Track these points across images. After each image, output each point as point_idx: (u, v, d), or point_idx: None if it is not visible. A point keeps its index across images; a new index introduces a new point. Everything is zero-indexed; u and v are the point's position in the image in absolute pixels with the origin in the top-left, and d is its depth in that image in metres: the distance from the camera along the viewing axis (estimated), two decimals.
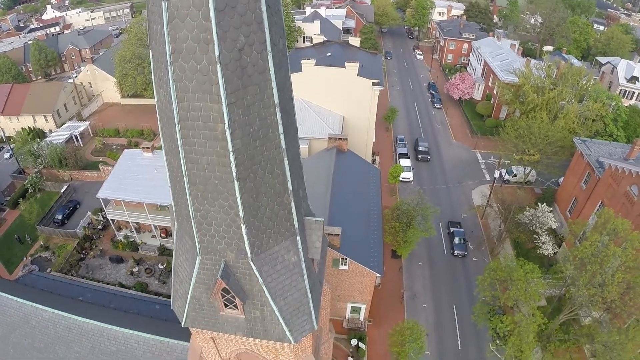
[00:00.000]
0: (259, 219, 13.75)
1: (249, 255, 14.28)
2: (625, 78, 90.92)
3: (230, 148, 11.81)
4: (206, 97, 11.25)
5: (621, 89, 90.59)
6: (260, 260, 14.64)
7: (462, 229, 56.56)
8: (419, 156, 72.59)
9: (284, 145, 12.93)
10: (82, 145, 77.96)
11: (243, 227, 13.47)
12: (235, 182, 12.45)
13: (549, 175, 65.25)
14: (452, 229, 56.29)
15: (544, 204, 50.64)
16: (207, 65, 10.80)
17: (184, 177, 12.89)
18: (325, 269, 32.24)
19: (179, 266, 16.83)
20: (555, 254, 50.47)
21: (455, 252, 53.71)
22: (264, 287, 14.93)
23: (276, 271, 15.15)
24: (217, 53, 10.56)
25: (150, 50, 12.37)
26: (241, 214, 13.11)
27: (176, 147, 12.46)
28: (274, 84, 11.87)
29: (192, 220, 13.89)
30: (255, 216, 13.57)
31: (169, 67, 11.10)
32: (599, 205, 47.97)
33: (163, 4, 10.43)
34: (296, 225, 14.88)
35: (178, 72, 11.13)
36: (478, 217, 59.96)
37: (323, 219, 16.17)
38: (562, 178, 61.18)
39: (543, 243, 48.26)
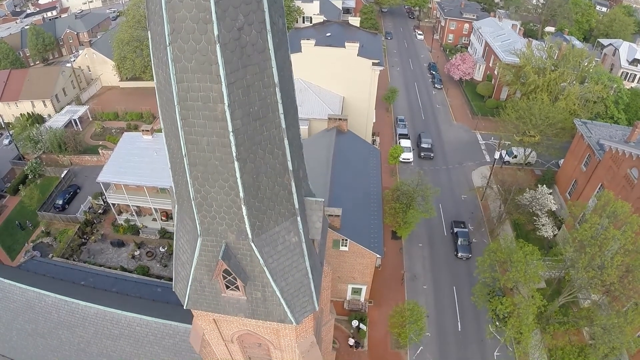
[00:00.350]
0: (260, 199, 13.73)
1: (250, 236, 14.30)
2: (627, 60, 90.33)
3: (230, 128, 11.73)
4: (206, 78, 11.13)
5: (623, 72, 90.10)
6: (261, 241, 14.66)
7: (466, 229, 53.95)
8: (422, 153, 68.77)
9: (284, 125, 12.85)
10: (81, 129, 77.75)
11: (243, 207, 13.46)
12: (236, 163, 12.40)
13: (549, 157, 65.20)
14: (455, 229, 53.82)
15: (544, 185, 50.73)
16: (206, 45, 10.67)
17: (184, 159, 12.84)
18: (326, 250, 32.42)
19: (180, 248, 16.86)
20: (554, 236, 50.56)
21: (459, 254, 51.22)
22: (265, 268, 14.97)
23: (277, 252, 15.18)
24: (216, 33, 10.42)
25: (148, 32, 12.22)
26: (241, 194, 13.09)
27: (176, 128, 12.39)
28: (273, 64, 11.75)
29: (193, 202, 13.87)
30: (255, 197, 13.55)
31: (167, 48, 10.97)
32: (599, 188, 48.02)
33: None
34: (296, 206, 14.86)
35: (177, 53, 11.00)
36: (478, 198, 60.09)
37: (323, 200, 16.17)
38: (562, 160, 61.15)
39: (543, 225, 48.24)
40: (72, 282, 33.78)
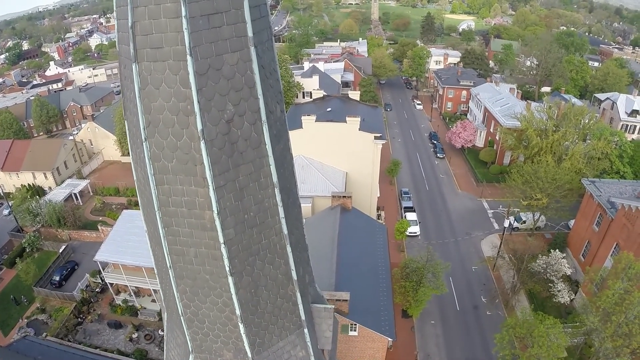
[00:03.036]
0: (260, 315, 11.60)
1: (249, 355, 12.03)
2: (626, 112, 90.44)
3: (221, 239, 9.79)
4: (189, 180, 9.35)
5: (623, 124, 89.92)
6: (262, 359, 12.38)
7: None
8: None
9: (285, 231, 10.93)
10: (81, 203, 76.88)
11: (241, 325, 11.30)
12: (229, 278, 10.37)
13: (558, 219, 63.44)
14: None
15: (557, 249, 49.15)
16: (189, 141, 8.96)
17: (169, 270, 10.83)
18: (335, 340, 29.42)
19: None
20: (571, 300, 48.49)
21: None
22: None
23: None
24: (199, 127, 8.74)
25: (125, 122, 10.53)
26: (238, 312, 10.95)
27: (159, 235, 10.49)
28: (271, 160, 9.97)
29: (182, 318, 11.75)
30: (254, 312, 11.43)
31: (144, 144, 9.27)
32: (614, 248, 46.11)
33: (133, 67, 8.73)
34: (303, 317, 12.68)
35: (155, 150, 9.29)
36: (489, 269, 57.57)
37: (333, 307, 13.96)
38: (572, 221, 59.68)
39: (559, 291, 46.41)
40: None
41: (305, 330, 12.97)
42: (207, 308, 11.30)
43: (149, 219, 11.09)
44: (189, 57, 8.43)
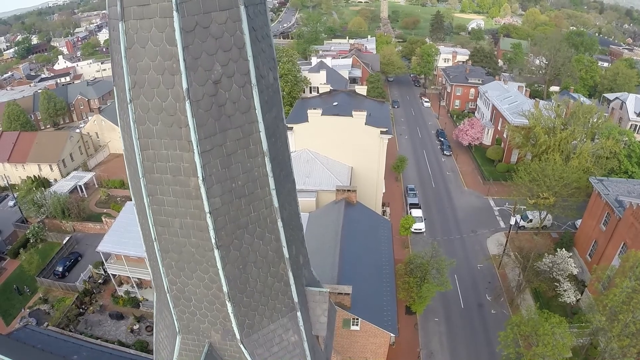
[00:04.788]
0: (249, 293, 11.04)
1: (238, 336, 11.51)
2: (635, 112, 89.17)
3: (206, 208, 9.28)
4: (174, 144, 8.87)
5: (632, 124, 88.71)
6: (252, 342, 11.85)
7: None
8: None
9: (276, 204, 10.38)
10: (86, 196, 76.98)
11: (228, 304, 10.75)
12: (216, 251, 9.83)
13: (565, 218, 62.60)
14: None
15: (563, 249, 48.43)
16: (174, 102, 8.50)
17: (154, 243, 10.34)
18: (335, 333, 28.92)
19: (160, 343, 14.17)
20: (577, 301, 47.72)
21: None
22: None
23: (272, 354, 12.30)
24: (185, 86, 8.27)
25: (114, 87, 10.08)
26: (225, 289, 10.42)
27: (144, 205, 10.01)
28: (261, 127, 9.43)
29: (168, 295, 11.26)
30: (243, 291, 10.88)
31: (129, 106, 8.81)
32: (622, 247, 45.40)
33: (120, 25, 8.31)
34: (295, 299, 12.12)
35: (140, 112, 8.83)
36: (495, 267, 56.85)
37: (328, 290, 13.37)
38: (579, 220, 59.03)
39: (565, 290, 45.64)
40: (62, 357, 32.15)
41: (298, 314, 12.43)
42: (193, 284, 10.80)
43: (135, 190, 10.62)
44: (175, 14, 8.05)
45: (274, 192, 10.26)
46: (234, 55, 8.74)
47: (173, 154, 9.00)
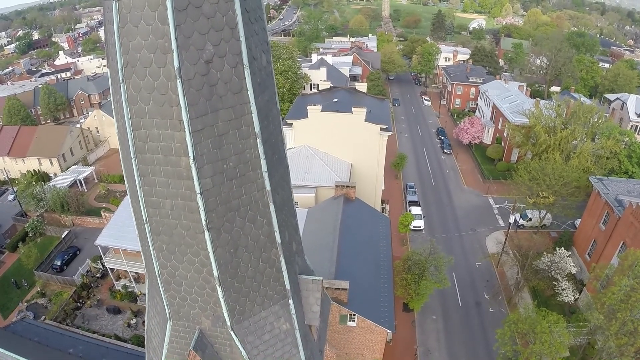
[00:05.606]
0: (240, 278, 10.98)
1: (228, 322, 11.46)
2: (636, 113, 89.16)
3: (197, 189, 9.24)
4: (166, 123, 8.83)
5: (632, 125, 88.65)
6: (243, 329, 11.80)
7: None
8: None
9: (268, 187, 10.32)
10: (86, 190, 76.92)
11: (219, 288, 10.71)
12: (206, 233, 9.79)
13: (564, 217, 62.62)
14: None
15: (562, 248, 48.31)
16: (166, 81, 8.48)
17: (145, 225, 10.29)
18: (330, 328, 28.79)
19: (152, 330, 14.14)
20: (576, 300, 47.56)
21: None
22: None
23: (263, 342, 12.25)
24: (176, 64, 8.26)
25: (108, 69, 10.03)
26: (215, 272, 10.37)
27: (135, 187, 9.95)
28: (253, 108, 9.38)
29: (159, 279, 11.20)
30: (234, 275, 10.82)
31: (121, 86, 8.77)
32: (621, 246, 45.28)
33: (113, 5, 8.26)
34: (288, 286, 12.06)
35: (132, 92, 8.81)
36: (493, 265, 56.75)
37: (321, 278, 13.29)
38: (578, 220, 58.96)
39: (563, 290, 45.56)
40: (58, 350, 32.12)
41: (290, 302, 12.37)
42: (184, 268, 10.75)
43: (128, 172, 10.58)
44: None
45: (266, 175, 10.20)
46: (226, 35, 8.71)
47: (164, 133, 8.97)
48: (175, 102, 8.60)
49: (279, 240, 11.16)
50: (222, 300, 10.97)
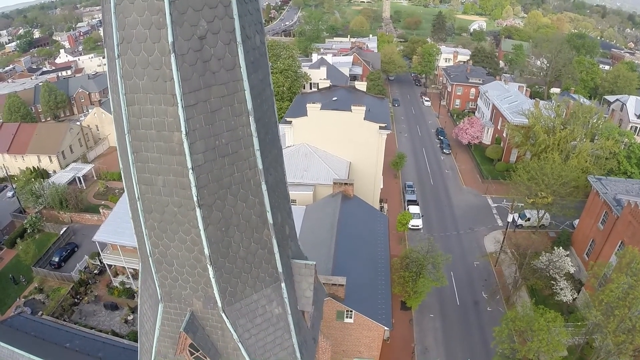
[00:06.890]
0: (231, 258, 11.02)
1: (220, 304, 11.50)
2: (636, 114, 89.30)
3: (189, 164, 9.31)
4: (159, 98, 8.93)
5: (632, 126, 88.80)
6: (234, 312, 11.83)
7: None
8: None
9: (260, 166, 10.37)
10: (85, 187, 76.93)
11: (210, 268, 10.75)
12: (197, 210, 9.86)
13: (563, 217, 62.63)
14: None
15: (560, 247, 48.31)
16: (160, 56, 8.61)
17: (138, 203, 10.35)
18: (327, 324, 28.76)
19: (144, 315, 14.24)
20: (574, 300, 47.53)
21: None
22: (239, 344, 12.02)
23: (255, 325, 12.28)
24: (170, 39, 8.38)
25: (105, 49, 10.13)
26: (206, 251, 10.42)
27: (128, 164, 10.03)
28: (246, 86, 9.46)
29: (150, 259, 11.23)
30: (225, 255, 10.86)
31: (116, 61, 8.89)
32: (619, 246, 45.30)
33: None
34: (280, 269, 12.08)
35: (127, 67, 8.92)
36: (491, 264, 56.79)
37: (314, 263, 13.32)
38: (577, 220, 58.94)
39: (561, 289, 45.52)
40: (54, 344, 32.11)
41: (283, 285, 12.40)
42: (175, 247, 10.80)
43: (122, 149, 10.67)
44: None
45: (258, 153, 10.26)
46: (219, 12, 8.81)
47: (158, 108, 9.06)
48: (169, 77, 8.71)
49: (271, 221, 11.20)
50: (213, 280, 11.01)
